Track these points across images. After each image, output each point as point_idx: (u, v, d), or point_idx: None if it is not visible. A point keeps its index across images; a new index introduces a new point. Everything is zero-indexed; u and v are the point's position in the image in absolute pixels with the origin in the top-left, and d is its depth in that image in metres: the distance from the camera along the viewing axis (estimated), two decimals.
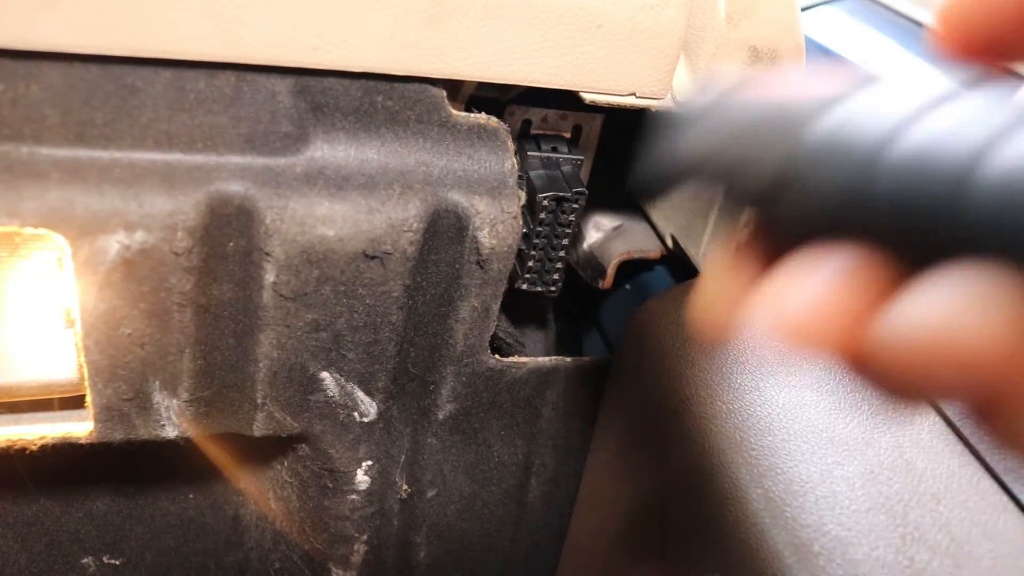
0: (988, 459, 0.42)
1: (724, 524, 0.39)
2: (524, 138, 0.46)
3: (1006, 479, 0.40)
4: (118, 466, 0.51)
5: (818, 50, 0.93)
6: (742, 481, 0.38)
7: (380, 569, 0.52)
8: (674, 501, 0.42)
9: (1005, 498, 0.40)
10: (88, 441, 0.42)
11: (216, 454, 0.51)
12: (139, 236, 0.36)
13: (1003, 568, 0.36)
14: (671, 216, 0.53)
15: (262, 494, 0.52)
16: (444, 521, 0.52)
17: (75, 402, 0.43)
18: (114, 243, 0.36)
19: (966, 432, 0.43)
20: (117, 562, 0.53)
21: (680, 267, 0.53)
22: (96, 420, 0.41)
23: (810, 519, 0.36)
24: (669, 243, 0.53)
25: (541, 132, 0.46)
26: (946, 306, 0.18)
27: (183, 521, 0.54)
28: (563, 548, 0.56)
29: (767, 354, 0.43)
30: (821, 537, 0.36)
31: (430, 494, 0.50)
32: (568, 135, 0.47)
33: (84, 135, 0.36)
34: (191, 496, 0.53)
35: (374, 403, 0.45)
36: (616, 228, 0.54)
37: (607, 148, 0.52)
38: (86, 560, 0.53)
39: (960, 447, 0.42)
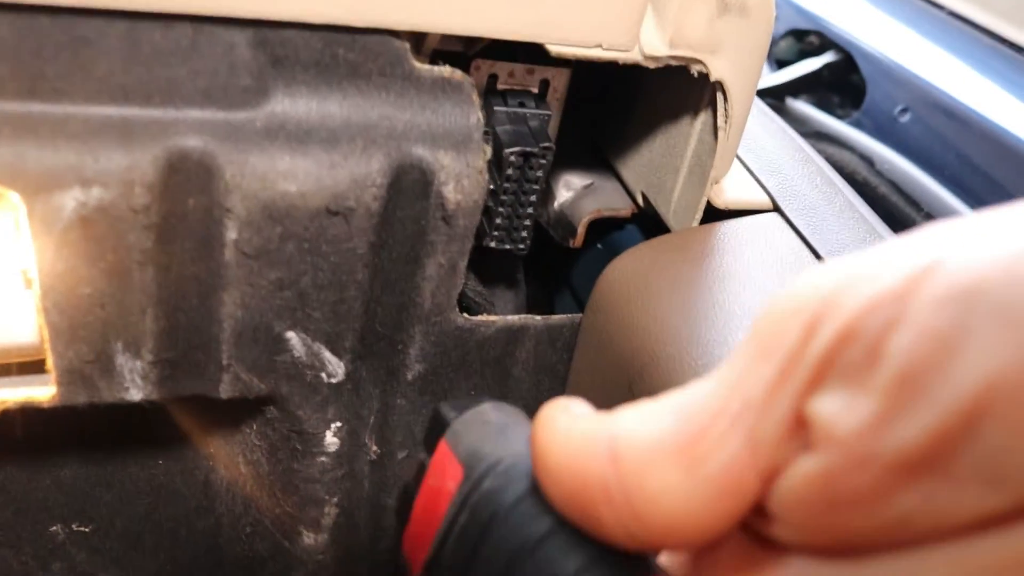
0: None
1: None
2: (490, 93, 0.45)
3: None
4: (85, 432, 0.50)
5: (790, 7, 0.92)
6: None
7: (351, 531, 0.52)
8: None
9: None
10: (51, 405, 0.41)
11: (184, 418, 0.51)
12: (95, 192, 0.35)
13: None
14: (642, 174, 0.53)
15: (232, 458, 0.52)
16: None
17: (37, 367, 0.42)
18: (70, 200, 0.35)
19: None
20: (87, 529, 0.53)
21: (651, 225, 0.53)
22: (58, 383, 0.40)
23: None
24: (640, 201, 0.53)
25: (508, 87, 0.45)
26: None
27: (153, 487, 0.53)
28: None
29: (736, 308, 0.43)
30: None
31: (400, 455, 0.50)
32: (535, 90, 0.46)
33: (36, 89, 0.35)
34: (161, 462, 0.53)
35: (342, 363, 0.44)
36: (586, 187, 0.54)
37: (575, 104, 0.51)
38: (55, 528, 0.52)
39: None
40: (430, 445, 0.32)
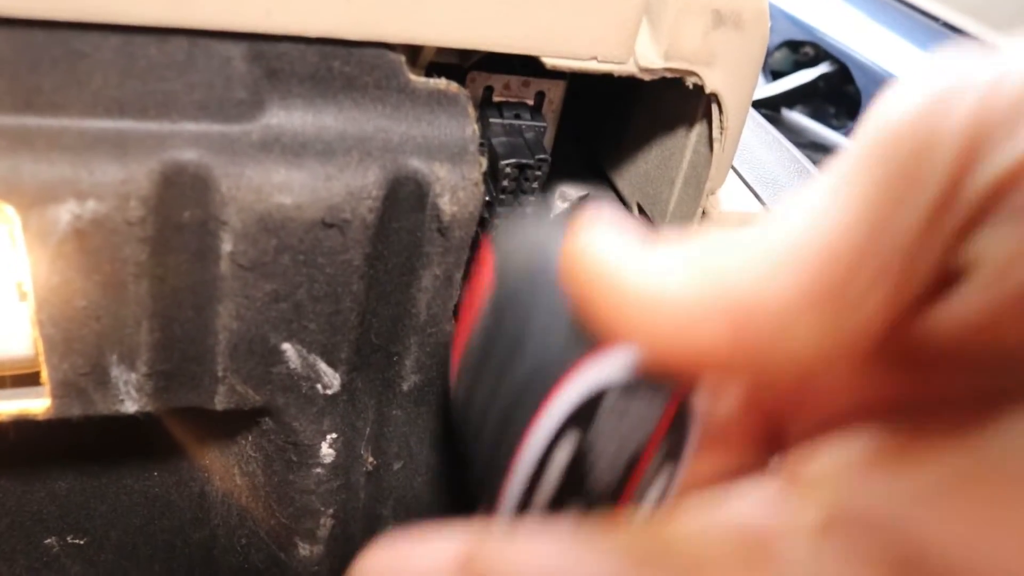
0: None
1: None
2: (486, 105, 0.45)
3: None
4: (80, 444, 0.50)
5: (785, 18, 0.93)
6: None
7: (347, 543, 0.52)
8: None
9: None
10: (45, 417, 0.41)
11: (180, 430, 0.51)
12: (91, 205, 0.35)
13: None
14: (637, 185, 0.53)
15: (227, 470, 0.52)
16: (411, 493, 0.51)
17: (31, 380, 0.42)
18: (65, 212, 0.35)
19: None
20: (81, 541, 0.53)
21: None
22: (53, 396, 0.40)
23: None
24: (635, 212, 0.53)
25: (503, 99, 0.46)
26: None
27: (148, 499, 0.53)
28: None
29: None
30: None
31: (396, 466, 0.50)
32: (531, 102, 0.46)
33: (31, 102, 0.35)
34: (156, 474, 0.53)
35: (337, 375, 0.44)
36: (582, 198, 0.54)
37: (570, 116, 0.51)
38: (50, 540, 0.52)
39: None
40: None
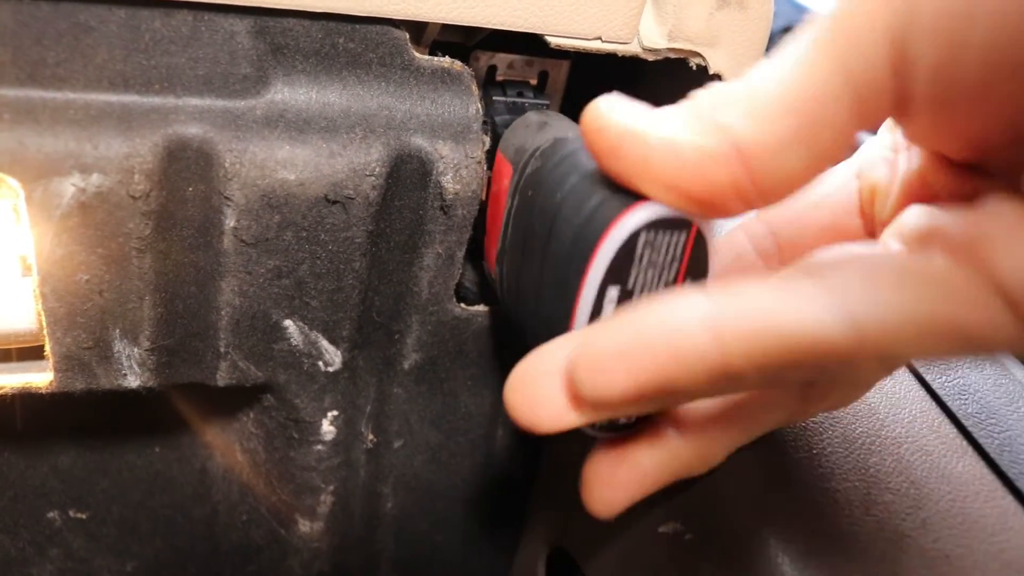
0: (950, 404, 0.42)
1: None
2: (490, 84, 0.45)
3: (966, 424, 0.41)
4: (83, 419, 0.50)
5: (788, 3, 0.92)
6: None
7: (347, 520, 0.52)
8: None
9: (964, 442, 0.40)
10: (49, 391, 0.41)
11: (182, 406, 0.51)
12: (95, 179, 0.35)
13: (959, 509, 0.36)
14: None
15: (228, 446, 0.52)
16: (411, 471, 0.52)
17: (35, 353, 0.42)
18: (69, 186, 0.35)
19: (928, 378, 0.43)
20: (83, 516, 0.53)
21: None
22: (56, 370, 0.40)
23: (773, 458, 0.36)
24: None
25: (507, 78, 0.45)
26: None
27: (150, 475, 0.53)
28: (530, 496, 0.56)
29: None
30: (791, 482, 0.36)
31: (397, 444, 0.50)
32: (534, 82, 0.46)
33: (36, 75, 0.35)
34: (157, 450, 0.53)
35: (339, 352, 0.44)
36: None
37: (574, 95, 0.51)
38: (52, 514, 0.53)
39: (922, 392, 0.43)
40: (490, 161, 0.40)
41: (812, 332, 0.23)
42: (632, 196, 0.28)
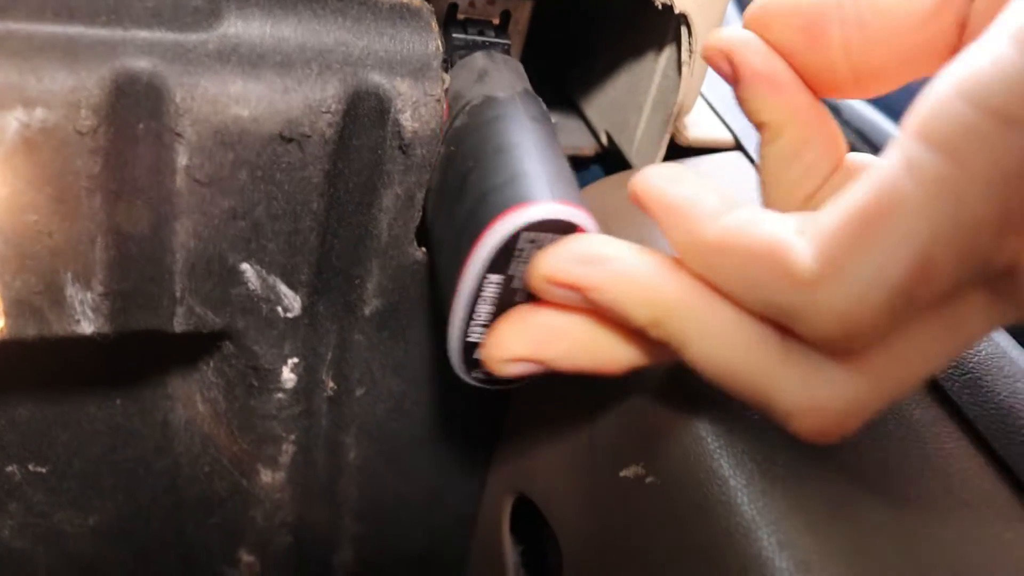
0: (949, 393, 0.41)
1: (646, 419, 0.38)
2: (450, 22, 0.44)
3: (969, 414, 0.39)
4: (41, 371, 0.49)
5: None
6: (673, 376, 0.38)
7: (310, 469, 0.52)
8: (604, 391, 0.42)
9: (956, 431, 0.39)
10: (0, 338, 0.40)
11: (141, 356, 0.50)
12: (39, 113, 0.34)
13: (953, 501, 0.36)
14: (605, 112, 0.52)
15: (189, 397, 0.51)
16: (373, 420, 0.51)
17: None
18: (12, 120, 0.34)
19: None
20: (43, 470, 0.52)
21: (615, 164, 0.52)
22: (6, 315, 0.39)
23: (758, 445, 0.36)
24: (603, 140, 0.52)
25: (468, 17, 0.45)
26: None
27: (111, 428, 0.52)
28: (496, 446, 0.56)
29: None
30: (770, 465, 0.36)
31: (359, 393, 0.49)
32: (496, 21, 0.45)
33: None
34: (118, 402, 0.52)
35: (298, 298, 0.44)
36: None
37: (539, 45, 0.50)
38: (11, 468, 0.52)
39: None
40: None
41: None
42: (537, 185, 0.30)
